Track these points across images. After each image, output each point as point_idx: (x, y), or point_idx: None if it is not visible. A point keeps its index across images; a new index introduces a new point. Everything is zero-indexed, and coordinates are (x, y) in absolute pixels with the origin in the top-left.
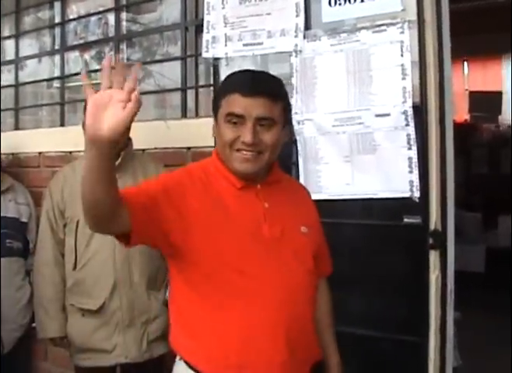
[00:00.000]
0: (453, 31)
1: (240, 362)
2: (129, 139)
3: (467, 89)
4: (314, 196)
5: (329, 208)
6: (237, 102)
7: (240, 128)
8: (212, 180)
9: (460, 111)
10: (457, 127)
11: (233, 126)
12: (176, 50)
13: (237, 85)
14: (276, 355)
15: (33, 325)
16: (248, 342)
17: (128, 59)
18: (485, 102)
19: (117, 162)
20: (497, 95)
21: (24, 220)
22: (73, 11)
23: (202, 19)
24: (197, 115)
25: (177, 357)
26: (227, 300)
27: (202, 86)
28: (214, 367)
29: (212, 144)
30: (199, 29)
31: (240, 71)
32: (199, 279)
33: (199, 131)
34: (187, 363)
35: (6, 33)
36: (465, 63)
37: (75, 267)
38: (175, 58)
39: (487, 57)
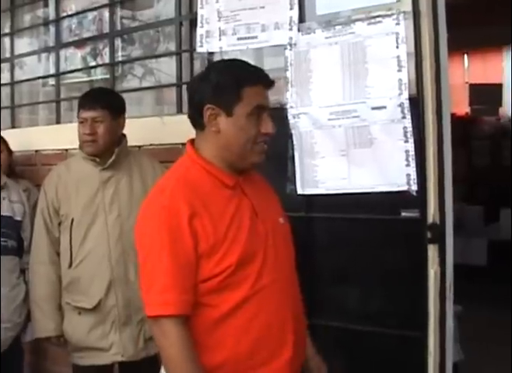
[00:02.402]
0: (452, 23)
1: (251, 364)
2: (123, 135)
3: (467, 82)
4: (310, 191)
5: (326, 203)
6: (263, 94)
7: (257, 120)
8: (202, 188)
9: (460, 104)
10: (458, 119)
11: (256, 119)
12: (173, 46)
13: (259, 77)
14: (285, 352)
15: None
16: (259, 343)
17: (125, 56)
18: (486, 95)
19: (110, 160)
20: (497, 88)
21: (18, 218)
22: (68, 8)
23: (196, 14)
24: None
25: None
26: (238, 305)
27: None
28: None
29: None
30: (194, 23)
31: (236, 61)
32: (212, 290)
33: None
34: None
35: (4, 30)
36: (465, 55)
37: (70, 265)
38: (170, 54)
39: (487, 49)
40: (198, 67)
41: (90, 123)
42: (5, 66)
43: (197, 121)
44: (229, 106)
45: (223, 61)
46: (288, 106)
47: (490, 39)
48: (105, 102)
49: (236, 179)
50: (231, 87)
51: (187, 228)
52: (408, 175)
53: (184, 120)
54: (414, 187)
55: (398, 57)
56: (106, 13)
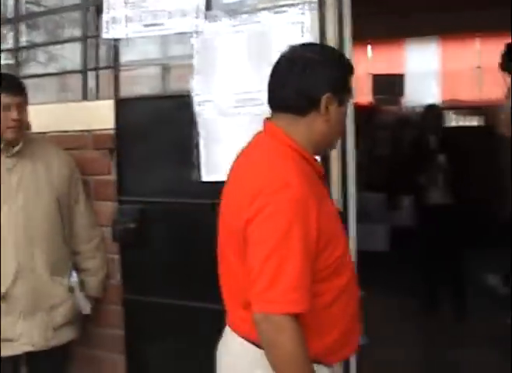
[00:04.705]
0: (357, 14)
1: (339, 354)
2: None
3: (370, 72)
4: (215, 178)
5: None
6: None
7: None
8: (310, 177)
9: (364, 94)
10: (361, 109)
11: None
12: (79, 32)
13: (351, 66)
14: (357, 339)
15: None
16: (345, 333)
17: (29, 41)
18: (388, 85)
19: (17, 147)
20: (399, 78)
21: None
22: None
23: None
24: (97, 97)
25: (242, 343)
26: (340, 293)
27: (102, 68)
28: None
29: (112, 126)
30: (100, 10)
31: (328, 46)
32: (321, 280)
33: (100, 113)
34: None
35: None
36: (369, 46)
37: None
38: (75, 39)
39: (390, 40)
40: (104, 53)
41: (16, 108)
42: None
43: (300, 107)
44: (344, 95)
45: (319, 45)
46: (193, 94)
47: (393, 30)
48: (23, 87)
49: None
50: (347, 76)
51: (316, 223)
52: None
53: (88, 106)
54: None
55: None
56: None
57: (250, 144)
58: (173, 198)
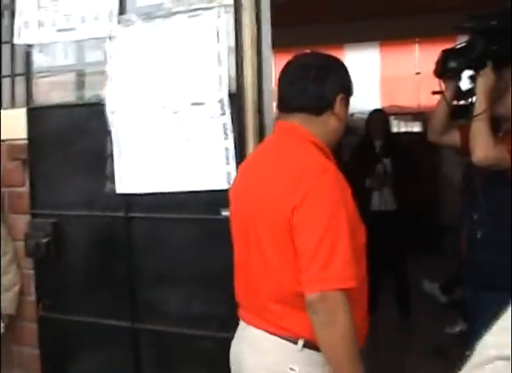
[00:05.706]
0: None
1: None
2: None
3: None
4: (129, 190)
5: (145, 202)
6: None
7: None
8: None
9: None
10: None
11: None
12: None
13: None
14: (366, 329)
15: None
16: (363, 320)
17: None
18: None
19: None
20: None
21: None
22: None
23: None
24: (13, 105)
25: (299, 344)
26: (360, 282)
27: (18, 75)
28: None
29: (25, 136)
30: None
31: (328, 54)
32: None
33: (14, 122)
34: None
35: None
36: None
37: None
38: None
39: (329, 46)
40: (20, 59)
41: None
42: None
43: (318, 108)
44: (350, 96)
45: (321, 53)
46: (106, 102)
47: (332, 36)
48: None
49: None
50: (351, 79)
51: (350, 205)
52: (229, 173)
53: (2, 115)
54: None
55: (218, 51)
56: None
57: (263, 146)
58: (86, 211)
